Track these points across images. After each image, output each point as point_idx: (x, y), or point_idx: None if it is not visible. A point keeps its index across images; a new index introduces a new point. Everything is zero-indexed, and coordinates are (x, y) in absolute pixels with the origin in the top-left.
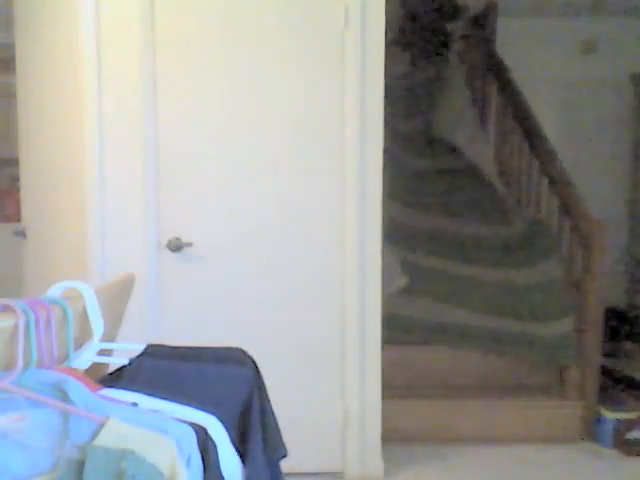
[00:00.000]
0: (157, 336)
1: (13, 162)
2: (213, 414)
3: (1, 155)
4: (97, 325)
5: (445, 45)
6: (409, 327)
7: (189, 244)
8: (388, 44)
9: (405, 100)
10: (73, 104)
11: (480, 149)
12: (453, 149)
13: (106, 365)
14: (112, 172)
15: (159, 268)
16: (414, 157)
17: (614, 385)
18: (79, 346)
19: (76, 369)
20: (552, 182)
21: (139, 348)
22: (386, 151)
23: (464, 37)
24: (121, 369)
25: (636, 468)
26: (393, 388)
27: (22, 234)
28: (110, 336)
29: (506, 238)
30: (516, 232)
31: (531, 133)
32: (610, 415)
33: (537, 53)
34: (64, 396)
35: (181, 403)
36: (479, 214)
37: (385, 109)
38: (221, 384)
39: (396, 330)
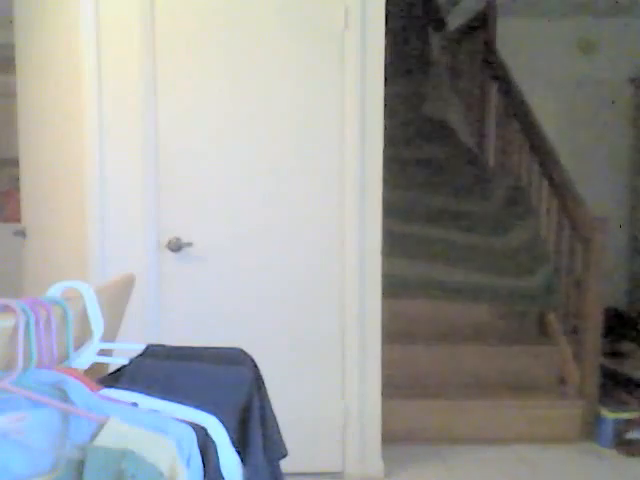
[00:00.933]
0: (157, 336)
1: (13, 162)
2: (213, 414)
3: (1, 155)
4: (97, 325)
5: (427, 58)
6: (397, 283)
7: (189, 244)
8: None
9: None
10: (73, 104)
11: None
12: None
13: (106, 365)
14: (112, 172)
15: (159, 268)
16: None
17: (614, 385)
18: (79, 346)
19: (76, 369)
20: (552, 182)
21: (139, 348)
22: None
23: (464, 36)
24: (121, 369)
25: (636, 468)
26: (393, 388)
27: (22, 234)
28: (110, 336)
29: (486, 210)
30: (495, 203)
31: (531, 133)
32: (610, 415)
33: (537, 53)
34: (64, 396)
35: (181, 403)
36: (462, 190)
37: None
38: (221, 384)
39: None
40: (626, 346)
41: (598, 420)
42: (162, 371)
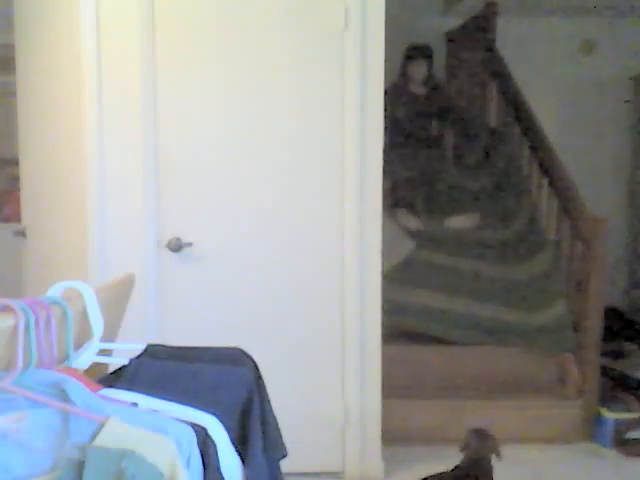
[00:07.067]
0: (157, 336)
1: (13, 162)
2: (213, 414)
3: (1, 155)
4: (97, 325)
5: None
6: (409, 314)
7: (189, 244)
8: None
9: None
10: (73, 104)
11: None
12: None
13: (106, 365)
14: (112, 172)
15: (159, 268)
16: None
17: (614, 385)
18: (79, 346)
19: (76, 369)
20: (552, 182)
21: (139, 348)
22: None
23: (464, 36)
24: (121, 369)
25: (636, 468)
26: (393, 388)
27: (22, 234)
28: (110, 336)
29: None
30: (510, 234)
31: (531, 133)
32: (610, 415)
33: (537, 53)
34: (64, 396)
35: (181, 403)
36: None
37: None
38: (221, 384)
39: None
40: (626, 346)
41: (598, 420)
42: (162, 371)
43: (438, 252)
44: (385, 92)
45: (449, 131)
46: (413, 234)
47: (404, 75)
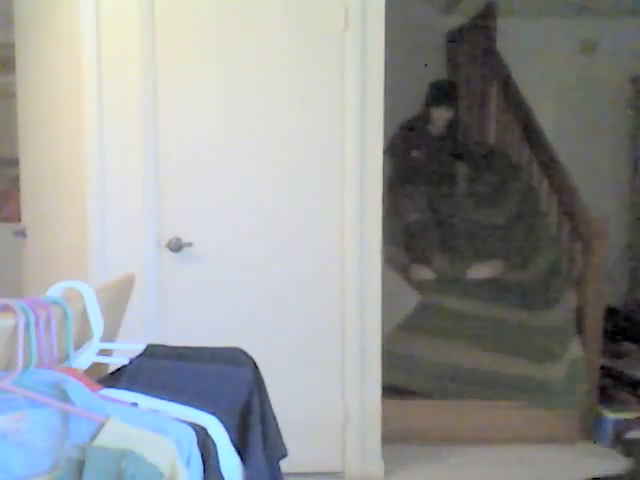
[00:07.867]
0: (157, 336)
1: (13, 162)
2: (213, 414)
3: (1, 155)
4: (97, 325)
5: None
6: (411, 367)
7: (189, 244)
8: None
9: None
10: (73, 104)
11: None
12: None
13: (106, 365)
14: (112, 172)
15: (159, 268)
16: None
17: (614, 385)
18: (79, 346)
19: (76, 369)
20: (552, 182)
21: (139, 348)
22: None
23: (464, 36)
24: (121, 369)
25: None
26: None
27: (22, 234)
28: (110, 336)
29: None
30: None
31: (531, 133)
32: (610, 415)
33: (537, 53)
34: (64, 396)
35: (181, 403)
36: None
37: None
38: (221, 384)
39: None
40: (626, 346)
41: (598, 420)
42: (162, 371)
43: (451, 301)
44: (401, 128)
45: (464, 168)
46: (422, 285)
47: (425, 115)
